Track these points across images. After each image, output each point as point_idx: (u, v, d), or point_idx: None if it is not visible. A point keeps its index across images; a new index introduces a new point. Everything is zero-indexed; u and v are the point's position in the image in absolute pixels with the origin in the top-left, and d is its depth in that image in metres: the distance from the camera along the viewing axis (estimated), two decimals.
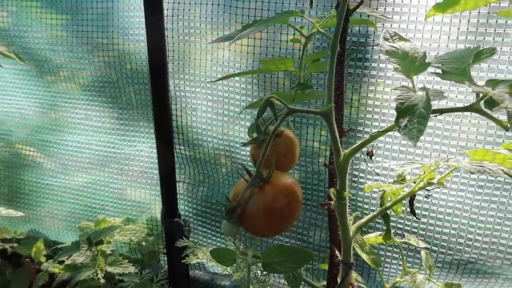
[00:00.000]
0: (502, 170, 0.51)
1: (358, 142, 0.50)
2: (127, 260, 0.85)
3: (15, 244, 1.25)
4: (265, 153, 0.48)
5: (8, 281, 1.23)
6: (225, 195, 0.51)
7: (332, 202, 0.54)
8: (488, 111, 0.43)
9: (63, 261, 1.14)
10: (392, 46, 0.54)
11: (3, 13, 1.16)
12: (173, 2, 0.95)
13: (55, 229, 1.25)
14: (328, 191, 0.56)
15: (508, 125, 0.39)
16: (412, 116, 0.38)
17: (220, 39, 0.71)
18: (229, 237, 0.79)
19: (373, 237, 0.71)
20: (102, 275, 0.80)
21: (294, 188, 0.51)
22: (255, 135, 0.73)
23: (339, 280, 0.60)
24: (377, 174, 0.80)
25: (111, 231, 0.90)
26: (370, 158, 0.63)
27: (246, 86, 0.92)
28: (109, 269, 0.82)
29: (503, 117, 0.41)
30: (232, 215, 0.48)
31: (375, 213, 0.58)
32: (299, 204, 0.51)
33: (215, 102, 0.96)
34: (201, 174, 1.06)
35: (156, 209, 1.14)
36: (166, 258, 1.11)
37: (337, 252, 0.62)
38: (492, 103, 0.38)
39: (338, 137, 0.52)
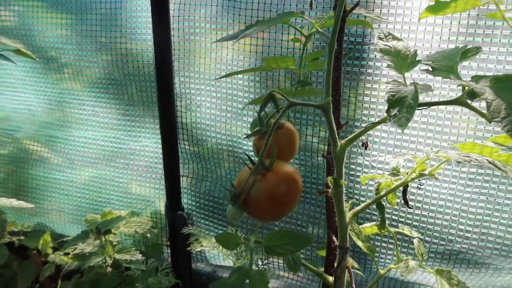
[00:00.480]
0: (487, 160, 0.55)
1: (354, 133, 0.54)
2: (134, 248, 0.89)
3: (22, 237, 1.28)
4: (268, 142, 0.52)
5: (15, 273, 1.27)
6: (230, 182, 0.55)
7: (330, 190, 0.58)
8: (473, 104, 0.47)
9: (68, 253, 1.18)
10: (386, 45, 0.58)
11: (8, 12, 1.20)
12: (179, 3, 0.99)
13: (61, 223, 1.29)
14: (326, 179, 0.60)
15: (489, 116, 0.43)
16: (402, 107, 0.42)
17: (224, 39, 0.75)
18: (232, 223, 0.83)
19: (368, 227, 0.75)
20: (111, 261, 0.84)
21: (295, 175, 0.54)
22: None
23: (336, 265, 0.64)
24: (373, 167, 0.84)
25: (119, 221, 0.93)
26: (365, 149, 0.67)
27: (248, 83, 0.96)
28: (117, 256, 0.85)
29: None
30: (237, 200, 0.52)
31: (370, 201, 0.62)
32: (299, 190, 0.55)
33: (219, 99, 1.00)
34: (204, 169, 1.10)
35: (160, 203, 1.17)
36: (169, 251, 1.14)
37: (334, 238, 0.66)
38: (473, 94, 0.42)
39: (335, 129, 0.56)
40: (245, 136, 0.61)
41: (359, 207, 0.62)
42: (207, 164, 1.09)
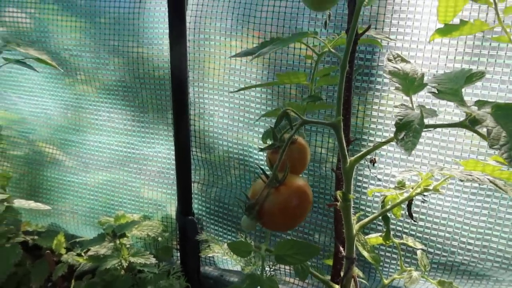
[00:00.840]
0: (488, 179, 0.58)
1: (363, 150, 0.58)
2: (148, 252, 0.93)
3: (36, 237, 1.32)
4: (281, 158, 0.56)
5: (28, 271, 1.31)
6: (244, 193, 0.58)
7: (339, 203, 0.61)
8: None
9: (80, 254, 1.22)
10: (394, 67, 0.61)
11: (29, 20, 1.24)
12: (195, 16, 1.03)
13: (74, 224, 1.33)
14: (335, 193, 0.63)
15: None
16: (408, 131, 0.45)
17: (240, 54, 0.79)
18: (245, 232, 0.86)
19: (374, 238, 0.78)
20: (126, 264, 0.87)
21: (306, 189, 0.58)
22: (269, 141, 0.81)
23: (342, 274, 0.67)
24: (379, 180, 0.87)
25: (134, 225, 0.97)
26: (373, 165, 0.70)
27: (260, 95, 1.00)
28: (132, 259, 0.89)
29: None
30: (251, 211, 0.55)
31: (376, 214, 0.65)
32: (309, 203, 0.58)
33: (231, 109, 1.04)
34: (215, 175, 1.14)
35: (171, 208, 1.21)
36: (179, 254, 1.18)
37: (341, 248, 0.69)
38: (475, 121, 0.45)
39: (345, 145, 0.59)
40: (260, 149, 0.64)
41: (366, 220, 0.65)
42: (217, 171, 1.13)
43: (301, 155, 0.64)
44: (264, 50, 0.69)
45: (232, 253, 0.81)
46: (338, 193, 0.61)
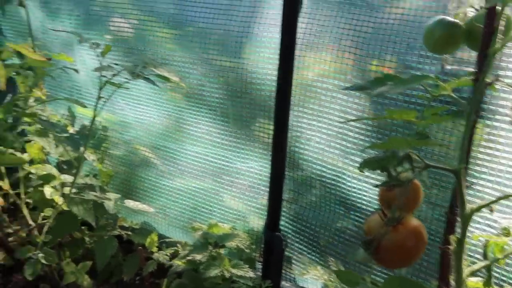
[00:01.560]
0: None
1: (485, 199, 0.59)
2: (247, 266, 0.99)
3: (130, 233, 1.44)
4: (402, 198, 0.59)
5: (120, 263, 1.43)
6: (362, 228, 0.61)
7: (451, 247, 0.62)
8: None
9: (167, 254, 1.31)
10: None
11: (128, 29, 1.37)
12: (301, 44, 1.08)
13: (164, 225, 1.43)
14: (448, 237, 0.64)
15: None
16: None
17: (354, 88, 0.83)
18: (346, 261, 0.89)
19: (474, 282, 0.78)
20: (229, 275, 0.94)
21: (422, 230, 0.60)
22: (365, 171, 0.83)
23: None
24: (489, 226, 0.86)
25: (233, 237, 1.04)
26: (491, 213, 0.70)
27: (360, 125, 1.03)
28: (232, 270, 0.96)
29: None
30: (369, 246, 0.58)
31: (489, 262, 0.65)
32: (425, 244, 0.60)
33: (329, 136, 1.08)
34: (304, 196, 1.18)
35: (257, 221, 1.27)
36: (261, 267, 1.23)
37: None
38: None
39: (465, 192, 0.60)
40: (375, 185, 0.67)
41: (476, 266, 0.65)
42: (306, 193, 1.17)
43: (415, 195, 0.66)
44: (383, 89, 0.72)
45: (328, 278, 0.85)
46: (452, 237, 0.62)
